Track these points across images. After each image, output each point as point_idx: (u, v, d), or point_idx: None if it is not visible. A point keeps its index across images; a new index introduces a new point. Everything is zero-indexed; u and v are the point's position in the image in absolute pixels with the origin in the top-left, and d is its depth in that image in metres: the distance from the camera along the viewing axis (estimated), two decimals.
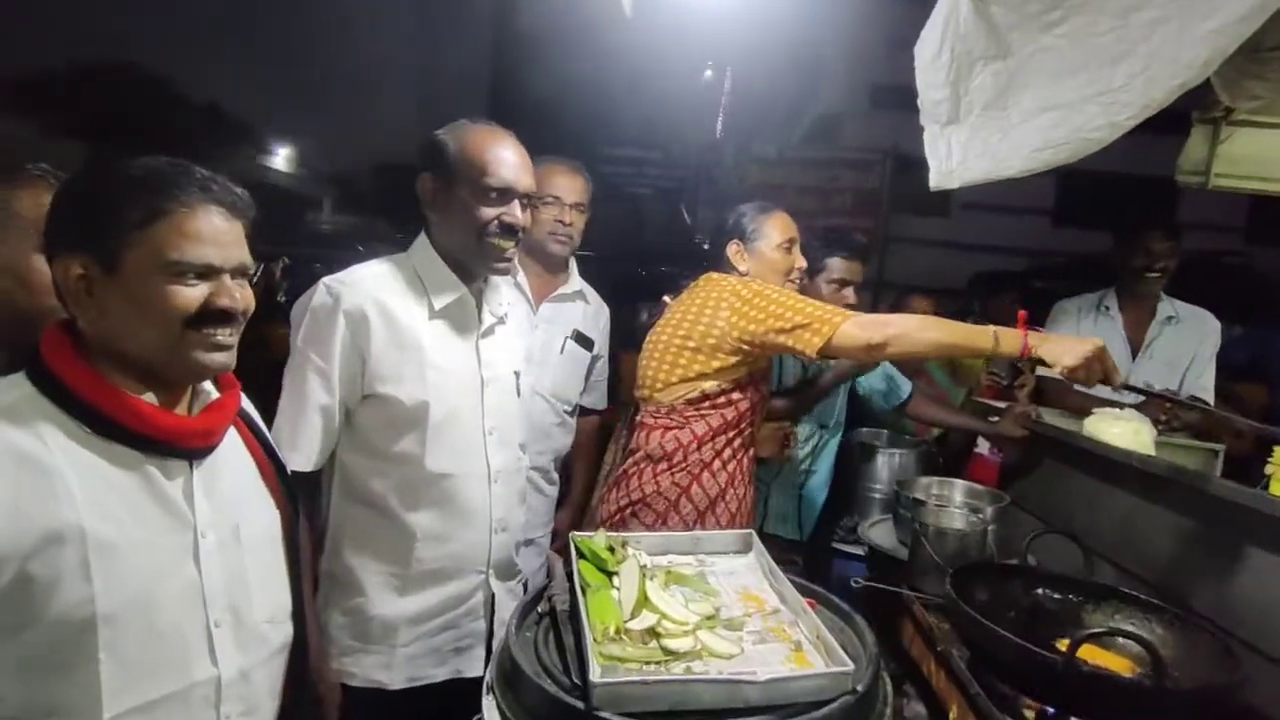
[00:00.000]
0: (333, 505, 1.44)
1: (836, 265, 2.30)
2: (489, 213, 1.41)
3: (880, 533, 2.12)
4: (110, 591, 0.86)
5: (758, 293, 1.74)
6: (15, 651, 0.83)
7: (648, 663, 1.03)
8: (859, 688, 0.98)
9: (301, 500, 1.40)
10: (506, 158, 1.41)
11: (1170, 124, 2.12)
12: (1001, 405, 2.36)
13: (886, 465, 2.49)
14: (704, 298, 1.81)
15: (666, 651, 1.06)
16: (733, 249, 1.93)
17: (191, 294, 0.93)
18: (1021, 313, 1.64)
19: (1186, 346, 2.57)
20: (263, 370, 1.76)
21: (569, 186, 2.03)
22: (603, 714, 0.91)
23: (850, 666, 0.99)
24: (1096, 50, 1.83)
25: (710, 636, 1.10)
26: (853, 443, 2.57)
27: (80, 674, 0.85)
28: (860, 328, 1.61)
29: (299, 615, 1.12)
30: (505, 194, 1.41)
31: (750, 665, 1.04)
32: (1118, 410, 1.94)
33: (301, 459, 1.37)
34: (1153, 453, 1.79)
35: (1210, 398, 2.57)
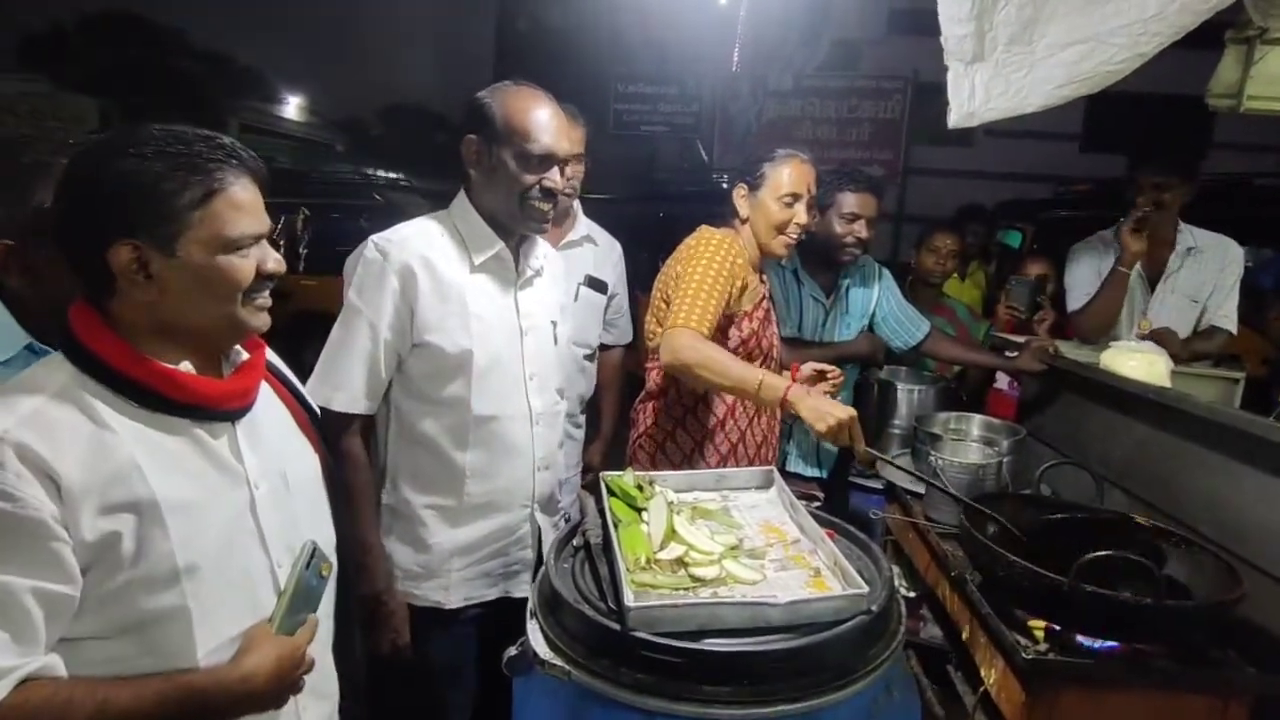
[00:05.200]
0: (389, 445, 1.55)
1: (847, 199, 2.29)
2: (531, 178, 1.47)
3: (905, 466, 2.18)
4: (187, 548, 0.94)
5: (691, 263, 1.80)
6: (121, 612, 0.92)
7: (677, 589, 1.12)
8: (873, 608, 1.06)
9: (363, 440, 1.52)
10: (549, 125, 1.47)
11: (1202, 39, 2.04)
12: (1020, 340, 2.39)
13: (906, 401, 2.54)
14: (678, 253, 1.89)
15: (694, 579, 1.15)
16: (738, 193, 1.94)
17: (248, 265, 0.98)
18: (794, 366, 1.75)
19: (1208, 276, 2.54)
20: (289, 320, 1.84)
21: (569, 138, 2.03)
22: (637, 634, 1.00)
23: (865, 589, 1.06)
24: None
25: (734, 565, 1.18)
26: (872, 379, 2.62)
27: (175, 621, 0.94)
28: (684, 339, 1.66)
29: (343, 546, 1.21)
30: (547, 160, 1.47)
31: (772, 590, 1.12)
32: (1134, 343, 1.96)
33: (344, 400, 1.46)
34: (1168, 384, 1.83)
35: (1233, 326, 2.56)
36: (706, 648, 0.99)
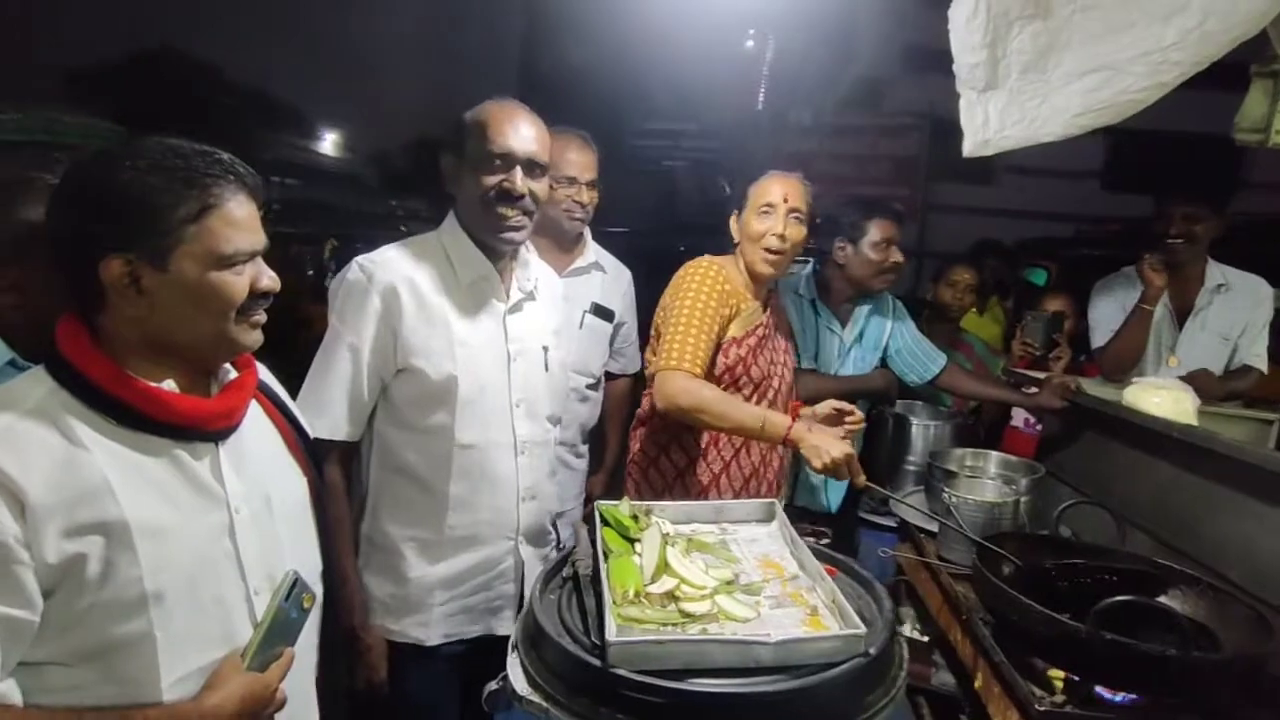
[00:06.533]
0: (371, 474, 1.51)
1: (880, 227, 2.29)
2: (490, 180, 1.43)
3: (917, 504, 2.11)
4: (156, 572, 0.91)
5: (678, 296, 1.80)
6: (83, 637, 0.89)
7: (665, 624, 1.06)
8: (871, 650, 0.99)
9: (343, 469, 1.48)
10: (508, 126, 1.43)
11: (1231, 78, 2.01)
12: (1040, 376, 2.32)
13: (921, 437, 2.46)
14: (671, 283, 1.88)
15: (684, 614, 1.09)
16: (731, 221, 1.94)
17: (241, 282, 0.97)
18: (794, 405, 1.78)
19: (1239, 315, 2.47)
20: (309, 348, 1.83)
21: (581, 164, 2.02)
22: (618, 671, 0.94)
23: (862, 629, 1.00)
24: (1146, 6, 1.76)
25: (728, 600, 1.12)
26: (886, 414, 2.55)
27: (139, 649, 0.91)
28: (678, 382, 1.68)
29: (328, 575, 1.18)
30: (506, 159, 1.43)
31: (766, 628, 1.06)
32: (1158, 380, 1.89)
33: (326, 426, 1.42)
34: (1194, 422, 1.75)
35: (1264, 365, 2.48)
36: (691, 688, 0.93)
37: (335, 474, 1.44)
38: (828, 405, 1.78)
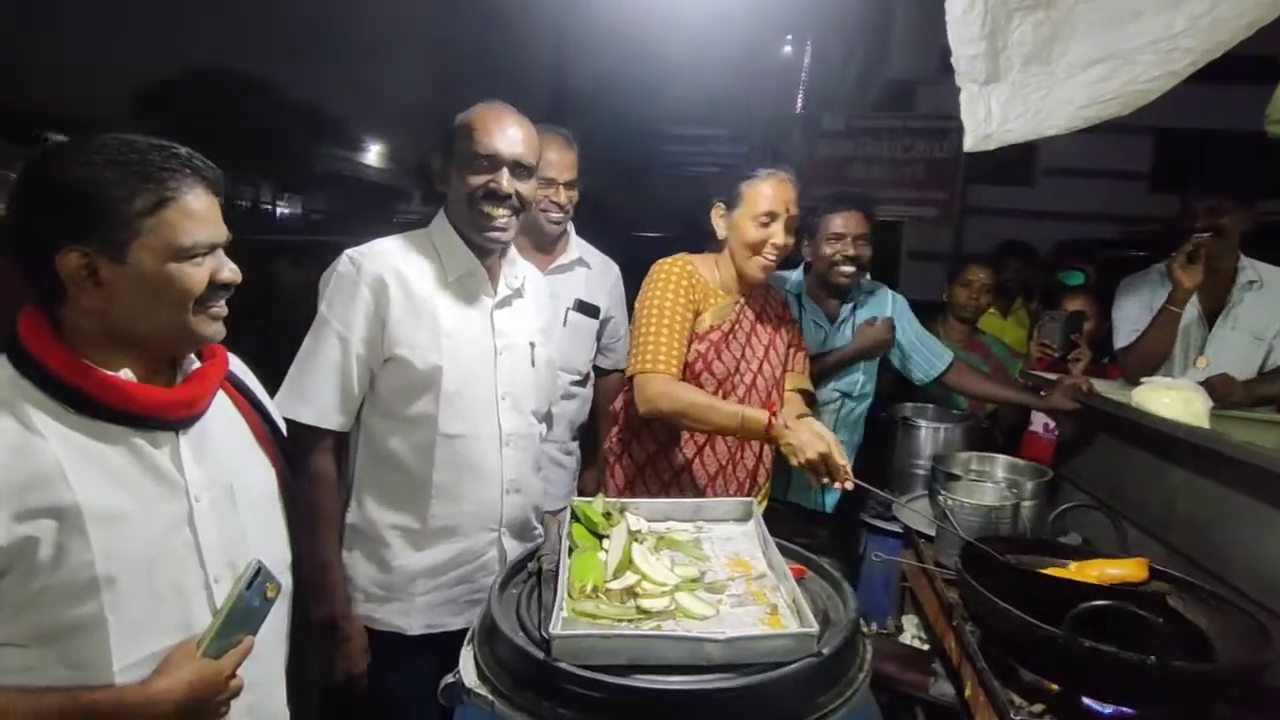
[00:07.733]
0: (358, 462, 1.54)
1: (832, 220, 2.25)
2: (476, 180, 1.46)
3: (919, 509, 2.06)
4: (109, 557, 0.91)
5: (646, 296, 1.80)
6: (37, 619, 0.91)
7: (620, 620, 1.05)
8: (825, 650, 0.97)
9: (335, 458, 1.50)
10: (495, 129, 1.46)
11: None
12: (1053, 377, 2.24)
13: (930, 440, 2.40)
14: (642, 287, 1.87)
15: (641, 611, 1.07)
16: (715, 213, 1.87)
17: (200, 274, 0.98)
18: (771, 404, 1.77)
19: (1273, 313, 2.34)
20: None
21: (560, 164, 2.01)
22: (561, 665, 0.94)
23: (815, 629, 0.97)
24: None
25: (687, 598, 1.11)
26: (895, 416, 2.49)
27: (91, 632, 0.93)
28: (658, 386, 1.69)
29: (299, 566, 1.19)
30: (493, 161, 1.46)
31: (723, 626, 1.04)
32: (1169, 379, 1.81)
33: (313, 413, 1.44)
34: (1205, 424, 1.66)
35: None
36: (634, 683, 0.92)
37: (324, 463, 1.46)
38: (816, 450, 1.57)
